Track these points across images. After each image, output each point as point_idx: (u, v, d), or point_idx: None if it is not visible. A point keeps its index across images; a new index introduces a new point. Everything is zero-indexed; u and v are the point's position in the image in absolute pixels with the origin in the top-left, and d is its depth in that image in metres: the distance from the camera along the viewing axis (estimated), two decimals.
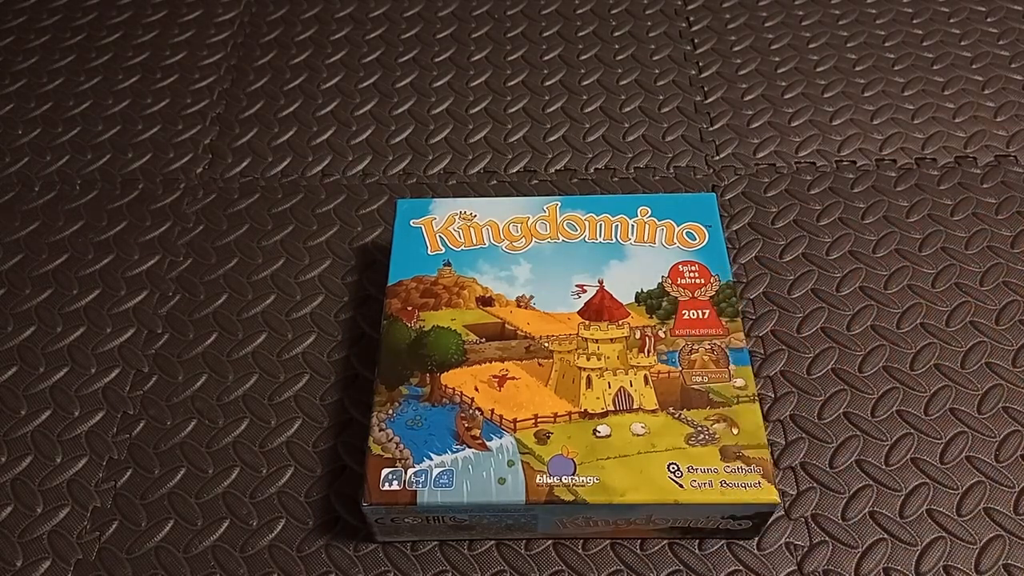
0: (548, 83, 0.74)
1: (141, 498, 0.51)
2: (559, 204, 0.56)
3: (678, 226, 0.55)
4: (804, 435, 0.53)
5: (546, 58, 0.76)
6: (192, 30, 0.79)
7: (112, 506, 0.51)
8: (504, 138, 0.70)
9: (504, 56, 0.76)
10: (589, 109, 0.72)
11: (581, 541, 0.49)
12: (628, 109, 0.71)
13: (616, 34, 0.77)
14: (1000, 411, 0.53)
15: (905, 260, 0.61)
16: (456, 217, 0.56)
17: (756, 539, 0.48)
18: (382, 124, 0.71)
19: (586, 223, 0.55)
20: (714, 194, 0.57)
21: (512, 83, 0.74)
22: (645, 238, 0.55)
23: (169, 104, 0.73)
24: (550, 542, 0.49)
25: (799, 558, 0.48)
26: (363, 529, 0.49)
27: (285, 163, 0.69)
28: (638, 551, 0.48)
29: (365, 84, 0.74)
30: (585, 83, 0.73)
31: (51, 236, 0.64)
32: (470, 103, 0.72)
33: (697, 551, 0.48)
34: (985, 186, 0.65)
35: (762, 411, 0.53)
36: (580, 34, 0.77)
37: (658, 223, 0.55)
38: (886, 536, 0.48)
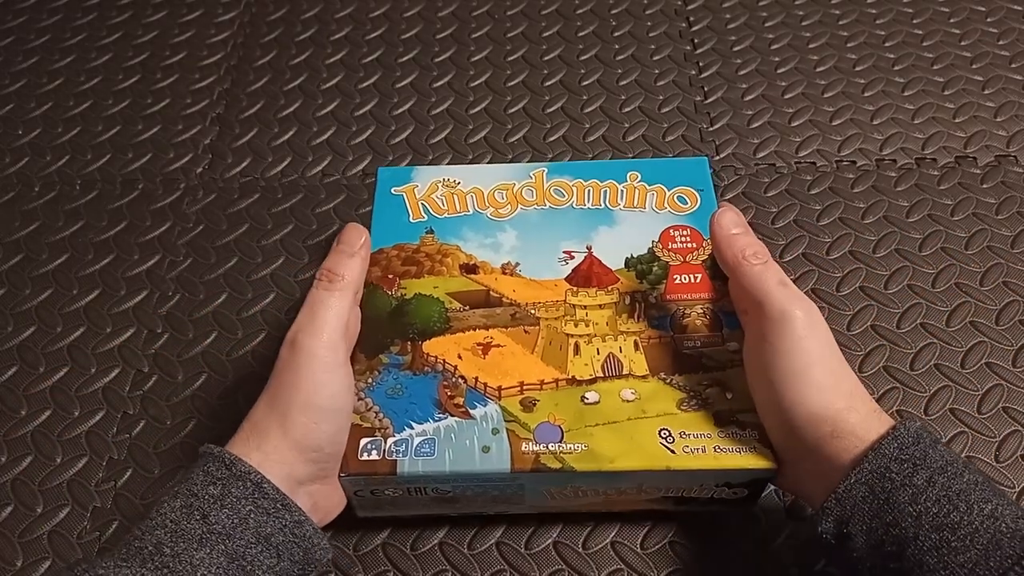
0: (548, 83, 0.74)
1: (141, 498, 0.51)
2: (546, 170, 0.55)
3: (669, 190, 0.53)
4: None
5: (546, 58, 0.76)
6: (192, 30, 0.79)
7: (112, 506, 0.51)
8: (504, 138, 0.70)
9: (504, 56, 0.76)
10: (589, 109, 0.72)
11: (581, 540, 0.49)
12: (628, 109, 0.71)
13: (616, 34, 0.77)
14: (1000, 411, 0.53)
15: (905, 260, 0.61)
16: (439, 184, 0.54)
17: (756, 537, 0.48)
18: (382, 124, 0.71)
19: (574, 188, 0.54)
20: (706, 157, 0.56)
21: (512, 83, 0.74)
22: (635, 203, 0.53)
23: (169, 104, 0.73)
24: (550, 542, 0.49)
25: (801, 556, 0.48)
26: (363, 529, 0.49)
27: (285, 163, 0.69)
28: (638, 550, 0.48)
29: (365, 84, 0.74)
30: (585, 83, 0.73)
31: (51, 236, 0.64)
32: (470, 103, 0.72)
33: (697, 550, 0.48)
34: (985, 186, 0.65)
35: None
36: (580, 34, 0.77)
37: (648, 188, 0.54)
38: None
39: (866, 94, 0.71)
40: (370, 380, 0.46)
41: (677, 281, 0.49)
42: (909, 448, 0.37)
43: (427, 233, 0.52)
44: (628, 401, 0.45)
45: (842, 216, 0.63)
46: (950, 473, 0.37)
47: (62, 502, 0.51)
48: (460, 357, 0.47)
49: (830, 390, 0.40)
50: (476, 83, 0.74)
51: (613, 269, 0.50)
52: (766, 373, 0.41)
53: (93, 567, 0.35)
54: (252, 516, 0.37)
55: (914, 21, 0.77)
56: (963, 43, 0.75)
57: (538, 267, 0.50)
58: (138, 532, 0.37)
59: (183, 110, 0.73)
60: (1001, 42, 0.75)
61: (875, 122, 0.69)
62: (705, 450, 0.42)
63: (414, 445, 0.43)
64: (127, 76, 0.76)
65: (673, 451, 0.42)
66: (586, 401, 0.45)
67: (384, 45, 0.77)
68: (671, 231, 0.52)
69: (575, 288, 0.49)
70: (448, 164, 0.68)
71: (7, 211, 0.66)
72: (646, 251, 0.51)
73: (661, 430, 0.43)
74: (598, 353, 0.47)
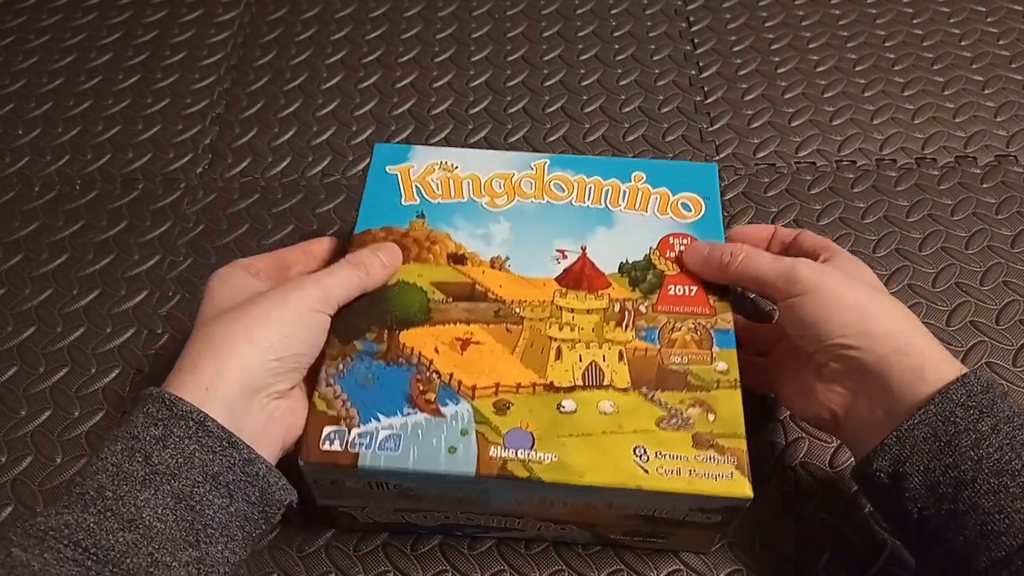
0: (548, 83, 0.74)
1: None
2: (547, 162, 0.52)
3: (673, 195, 0.51)
4: (804, 434, 0.53)
5: (546, 58, 0.76)
6: (192, 30, 0.79)
7: None
8: (504, 138, 0.70)
9: (504, 56, 0.76)
10: (589, 109, 0.72)
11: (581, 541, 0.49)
12: (628, 109, 0.71)
13: (616, 34, 0.77)
14: None
15: (905, 260, 0.61)
16: (436, 167, 0.52)
17: (758, 535, 0.48)
18: (382, 124, 0.71)
19: (575, 184, 0.51)
20: (715, 164, 0.53)
21: (512, 83, 0.74)
22: (636, 205, 0.51)
23: (169, 104, 0.73)
24: (550, 542, 0.49)
25: (802, 553, 0.48)
26: (363, 529, 0.49)
27: (285, 163, 0.69)
28: (638, 551, 0.48)
29: (365, 84, 0.74)
30: (585, 83, 0.73)
31: (51, 236, 0.64)
32: (470, 103, 0.72)
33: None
34: (985, 186, 0.65)
35: (768, 412, 0.53)
36: (580, 34, 0.77)
37: (652, 190, 0.51)
38: (888, 536, 0.48)
39: (866, 94, 0.71)
40: (341, 367, 0.44)
41: (671, 292, 0.47)
42: (977, 396, 0.38)
43: (417, 217, 0.50)
44: (606, 414, 0.42)
45: (842, 216, 0.63)
46: (1016, 424, 0.37)
47: None
48: (437, 351, 0.44)
49: (873, 306, 0.42)
50: (476, 83, 0.74)
51: (606, 273, 0.48)
52: (811, 322, 0.42)
53: (34, 517, 0.35)
54: (197, 455, 0.37)
55: (914, 21, 0.77)
56: (963, 43, 0.75)
57: (528, 264, 0.48)
58: (79, 479, 0.36)
59: (183, 110, 0.73)
60: (1001, 42, 0.75)
61: (875, 122, 0.69)
62: (680, 472, 0.40)
63: (379, 439, 0.41)
64: (127, 76, 0.76)
65: (646, 470, 0.40)
66: (562, 409, 0.43)
67: (384, 45, 0.77)
68: (671, 238, 0.49)
69: (564, 289, 0.47)
70: None
71: (7, 211, 0.66)
72: (642, 257, 0.48)
73: (636, 447, 0.41)
74: (580, 360, 0.44)
